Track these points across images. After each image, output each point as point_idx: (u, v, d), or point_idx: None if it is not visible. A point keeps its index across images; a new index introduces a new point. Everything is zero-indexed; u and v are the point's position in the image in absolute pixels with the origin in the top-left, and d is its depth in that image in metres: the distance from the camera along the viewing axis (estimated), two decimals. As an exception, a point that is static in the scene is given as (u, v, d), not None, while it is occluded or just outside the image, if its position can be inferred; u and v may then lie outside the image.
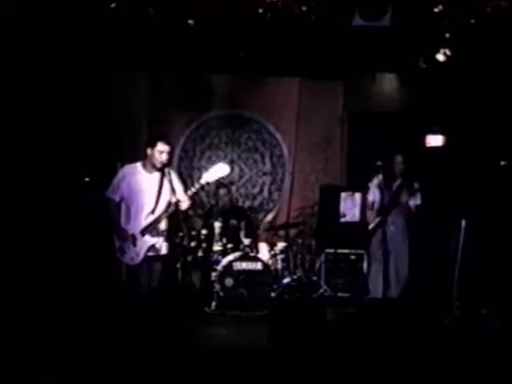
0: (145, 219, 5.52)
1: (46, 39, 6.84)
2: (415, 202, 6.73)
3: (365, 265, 7.47)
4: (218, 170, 5.58)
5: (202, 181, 5.52)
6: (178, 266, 7.04)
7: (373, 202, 6.81)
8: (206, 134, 8.62)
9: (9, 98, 7.20)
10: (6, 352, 4.76)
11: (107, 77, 7.82)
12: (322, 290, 7.68)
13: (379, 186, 6.65)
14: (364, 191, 6.94)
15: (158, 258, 5.62)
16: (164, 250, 5.65)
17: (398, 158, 6.74)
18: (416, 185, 6.68)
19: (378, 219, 6.61)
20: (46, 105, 7.49)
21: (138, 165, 5.66)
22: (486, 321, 6.01)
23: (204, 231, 7.44)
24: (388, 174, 6.66)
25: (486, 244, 6.85)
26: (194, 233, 7.41)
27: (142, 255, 5.50)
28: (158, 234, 5.56)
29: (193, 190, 5.55)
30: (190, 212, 7.40)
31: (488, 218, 6.91)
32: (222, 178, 5.77)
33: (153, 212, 5.52)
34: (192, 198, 5.60)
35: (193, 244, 7.32)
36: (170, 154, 5.67)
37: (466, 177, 7.35)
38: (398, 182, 6.73)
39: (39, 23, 6.57)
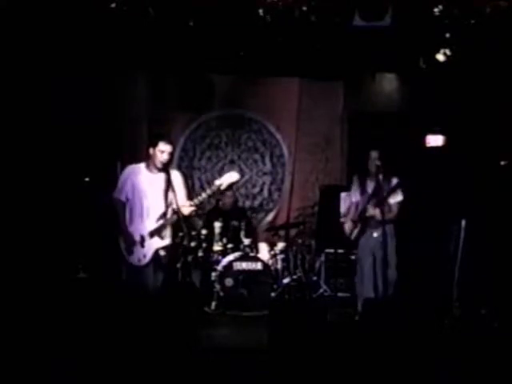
0: (156, 221, 5.50)
1: (46, 39, 6.84)
2: (395, 199, 6.24)
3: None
4: (227, 178, 5.57)
5: (214, 187, 5.50)
6: (178, 265, 7.04)
7: (356, 203, 6.48)
8: (206, 134, 8.62)
9: (8, 98, 7.21)
10: (6, 352, 4.77)
11: (107, 77, 7.82)
12: (321, 290, 7.69)
13: (359, 186, 6.44)
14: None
15: (162, 259, 5.60)
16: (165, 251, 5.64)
17: (374, 154, 6.28)
18: (395, 181, 6.26)
19: (357, 229, 6.39)
20: (46, 105, 7.49)
21: (142, 165, 5.64)
22: (486, 321, 6.00)
23: (204, 231, 7.45)
24: (364, 173, 6.38)
25: (486, 244, 6.84)
26: (193, 233, 7.41)
27: (149, 256, 5.49)
28: (166, 236, 5.55)
29: (200, 198, 5.53)
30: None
31: (488, 218, 6.91)
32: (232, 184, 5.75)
33: (164, 215, 5.51)
34: (198, 204, 5.59)
35: (193, 244, 7.32)
36: (172, 153, 5.65)
37: (465, 177, 7.34)
38: (375, 180, 6.29)
39: (39, 23, 6.57)
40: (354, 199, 6.54)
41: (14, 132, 7.31)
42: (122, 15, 6.52)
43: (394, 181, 6.30)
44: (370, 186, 6.37)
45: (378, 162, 6.24)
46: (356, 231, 6.43)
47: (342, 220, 6.65)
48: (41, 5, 6.37)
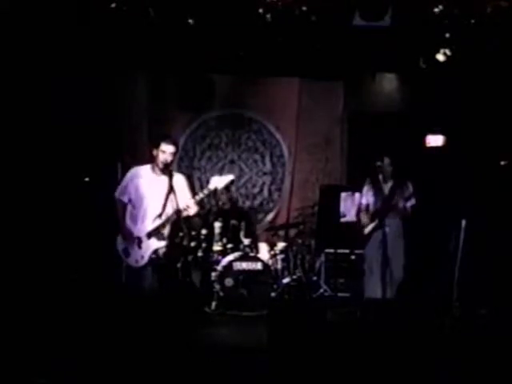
0: (152, 222, 5.50)
1: (46, 39, 6.85)
2: (410, 202, 6.51)
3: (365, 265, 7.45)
4: (224, 178, 5.57)
5: (211, 186, 5.50)
6: (178, 265, 7.03)
7: (367, 205, 6.66)
8: (206, 134, 8.61)
9: (8, 98, 7.21)
10: (6, 352, 4.77)
11: (107, 77, 7.82)
12: (321, 290, 7.68)
13: (372, 189, 6.58)
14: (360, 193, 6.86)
15: (162, 260, 5.60)
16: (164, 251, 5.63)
17: (386, 160, 6.52)
18: (409, 185, 6.53)
19: (372, 224, 6.51)
20: (46, 105, 7.49)
21: (148, 167, 5.63)
22: (486, 321, 6.00)
23: (204, 231, 7.44)
24: (378, 177, 6.53)
25: (486, 244, 6.84)
26: (193, 233, 7.41)
27: (146, 258, 5.48)
28: (163, 237, 5.54)
29: (201, 195, 5.53)
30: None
31: (488, 218, 6.91)
32: (229, 184, 5.76)
33: (160, 216, 5.49)
34: (199, 203, 5.58)
35: (193, 244, 7.32)
36: (175, 154, 5.61)
37: (465, 177, 7.34)
38: (390, 183, 6.56)
39: (39, 23, 6.57)
40: (364, 201, 6.69)
41: (15, 132, 7.31)
42: (122, 15, 6.52)
43: (409, 185, 6.51)
44: (384, 190, 6.50)
45: (390, 168, 6.48)
46: (371, 226, 6.52)
47: (342, 220, 6.71)
48: (41, 5, 6.37)
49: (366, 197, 6.66)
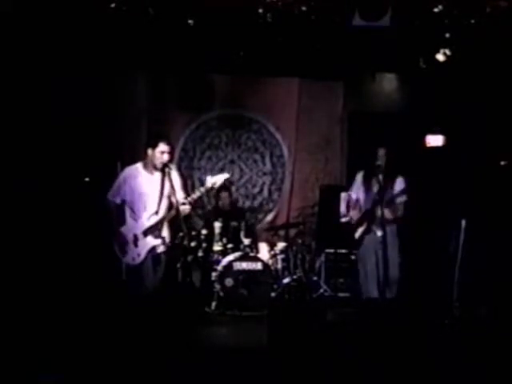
0: (148, 220, 5.51)
1: (45, 39, 6.85)
2: (401, 198, 6.26)
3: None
4: (220, 177, 5.59)
5: (208, 184, 5.52)
6: (178, 265, 7.04)
7: (356, 200, 6.46)
8: (206, 134, 8.61)
9: (8, 98, 7.21)
10: (7, 352, 4.77)
11: (107, 77, 7.82)
12: (322, 290, 7.68)
13: (363, 184, 6.40)
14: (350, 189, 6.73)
15: (160, 258, 5.61)
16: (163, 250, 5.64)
17: (381, 151, 6.27)
18: (400, 180, 6.28)
19: (362, 227, 6.34)
20: (46, 105, 7.50)
21: (139, 166, 5.64)
22: (486, 321, 6.01)
23: (204, 231, 7.45)
24: (370, 171, 6.33)
25: (486, 244, 6.84)
26: (193, 233, 7.41)
27: (143, 256, 5.49)
28: (160, 235, 5.55)
29: (197, 193, 5.55)
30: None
31: (488, 218, 6.91)
32: (225, 181, 5.76)
33: (156, 213, 5.51)
34: (194, 202, 5.59)
35: (193, 244, 7.32)
36: (171, 153, 5.65)
37: (465, 177, 7.34)
38: (381, 178, 6.23)
39: (39, 23, 6.57)
40: (354, 196, 6.50)
41: (14, 132, 7.31)
42: (122, 15, 6.52)
43: (400, 180, 6.29)
44: (375, 185, 6.30)
45: (384, 160, 6.25)
46: (361, 230, 6.40)
47: (342, 219, 6.64)
48: (42, 6, 6.38)
49: (356, 192, 6.47)
